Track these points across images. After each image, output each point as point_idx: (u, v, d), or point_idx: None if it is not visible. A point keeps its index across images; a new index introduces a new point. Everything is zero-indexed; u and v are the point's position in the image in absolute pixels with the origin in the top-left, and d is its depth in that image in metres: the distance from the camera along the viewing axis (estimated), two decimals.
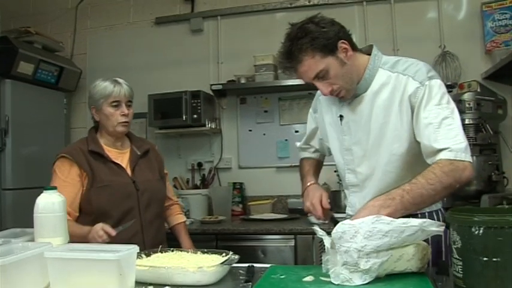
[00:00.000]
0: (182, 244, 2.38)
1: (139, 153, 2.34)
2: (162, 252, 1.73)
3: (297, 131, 4.01)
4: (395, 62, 1.76)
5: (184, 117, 3.79)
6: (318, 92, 1.91)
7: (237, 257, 1.61)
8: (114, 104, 2.22)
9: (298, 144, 2.24)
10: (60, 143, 4.16)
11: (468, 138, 3.21)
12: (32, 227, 1.65)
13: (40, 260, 1.34)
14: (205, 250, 1.73)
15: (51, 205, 1.61)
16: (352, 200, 1.92)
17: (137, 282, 1.44)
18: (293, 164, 3.87)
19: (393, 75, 1.73)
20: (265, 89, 3.95)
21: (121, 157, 2.30)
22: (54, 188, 1.66)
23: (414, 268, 1.45)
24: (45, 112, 4.01)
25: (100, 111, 2.25)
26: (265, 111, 4.09)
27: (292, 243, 3.15)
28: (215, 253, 1.70)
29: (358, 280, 1.37)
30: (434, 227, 1.40)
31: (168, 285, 1.47)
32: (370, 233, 1.37)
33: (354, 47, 1.75)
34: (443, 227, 1.42)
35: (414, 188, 1.53)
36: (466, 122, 3.28)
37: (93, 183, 2.15)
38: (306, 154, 2.20)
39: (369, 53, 1.81)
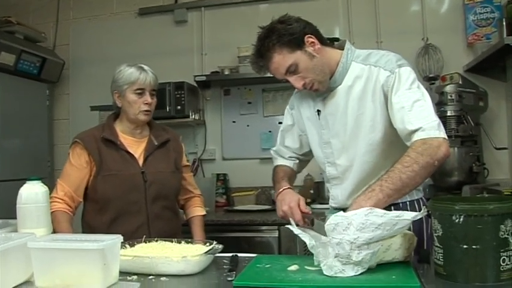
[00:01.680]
0: (194, 236, 2.32)
1: (156, 143, 2.27)
2: (146, 242, 1.72)
3: (280, 122, 3.76)
4: (367, 55, 1.80)
5: (168, 108, 3.77)
6: (295, 89, 1.94)
7: (220, 246, 1.61)
8: (138, 91, 2.17)
9: (272, 150, 2.19)
10: (43, 135, 4.15)
11: (450, 130, 3.29)
12: (16, 219, 1.64)
13: (23, 251, 1.33)
14: (189, 240, 1.73)
15: (34, 195, 1.60)
16: (334, 192, 1.95)
17: (121, 272, 1.44)
18: None
19: (366, 68, 1.77)
20: (249, 81, 3.95)
21: (136, 146, 2.24)
22: (38, 178, 1.65)
23: (401, 257, 1.47)
24: (28, 103, 3.98)
25: (123, 97, 2.20)
26: (249, 103, 4.09)
27: (276, 234, 3.17)
28: (199, 243, 1.70)
29: (350, 272, 1.38)
30: (420, 216, 1.42)
31: (152, 274, 1.48)
32: (363, 225, 1.38)
33: (323, 42, 1.80)
34: (425, 213, 1.44)
35: (392, 175, 1.55)
36: (448, 113, 3.33)
37: (100, 171, 2.12)
38: (280, 161, 2.12)
39: (342, 48, 1.84)
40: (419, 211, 1.54)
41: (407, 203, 1.84)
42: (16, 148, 3.77)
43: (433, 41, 3.71)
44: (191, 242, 1.72)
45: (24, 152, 3.87)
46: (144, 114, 2.18)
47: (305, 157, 2.12)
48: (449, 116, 3.34)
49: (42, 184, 1.65)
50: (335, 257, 1.38)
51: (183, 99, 3.78)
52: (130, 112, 2.19)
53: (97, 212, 2.13)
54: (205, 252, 1.52)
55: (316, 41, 1.76)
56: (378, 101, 1.74)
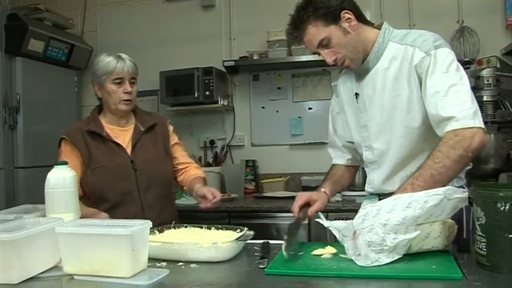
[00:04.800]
0: (195, 188, 2.17)
1: (142, 129, 2.23)
2: (175, 228, 1.69)
3: (310, 108, 3.96)
4: (405, 35, 1.74)
5: (196, 94, 3.74)
6: (339, 79, 1.96)
7: (252, 232, 1.57)
8: (117, 81, 2.13)
9: (328, 149, 2.11)
10: (71, 121, 4.10)
11: (486, 115, 3.18)
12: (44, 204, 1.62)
13: (51, 236, 1.31)
14: (220, 226, 1.69)
15: (62, 180, 1.58)
16: (371, 176, 1.89)
17: (150, 259, 1.41)
18: (307, 142, 3.85)
19: (402, 48, 1.71)
20: (279, 65, 3.89)
21: (123, 135, 2.22)
22: (65, 163, 1.63)
23: (440, 246, 1.40)
24: (56, 90, 3.98)
25: (103, 88, 2.17)
26: (279, 88, 4.03)
27: (306, 221, 3.10)
28: (229, 229, 1.66)
29: (386, 259, 1.32)
30: (459, 194, 1.34)
31: (181, 261, 1.44)
32: (393, 207, 1.32)
33: (361, 19, 1.76)
34: (467, 193, 1.36)
35: (423, 172, 1.51)
36: (485, 98, 3.21)
37: (89, 164, 2.11)
38: (335, 158, 2.05)
39: (379, 28, 1.80)
40: None
41: None
42: (45, 135, 3.74)
43: (468, 23, 3.58)
44: (221, 228, 1.68)
45: (53, 138, 3.83)
46: (125, 103, 2.16)
47: None
48: (485, 101, 3.22)
49: (70, 169, 1.63)
50: (368, 246, 1.32)
51: (211, 84, 3.74)
52: (111, 102, 2.16)
53: (91, 207, 2.05)
54: (236, 239, 1.47)
55: (353, 17, 1.71)
56: (413, 82, 1.67)
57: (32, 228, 1.32)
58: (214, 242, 1.43)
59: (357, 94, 1.84)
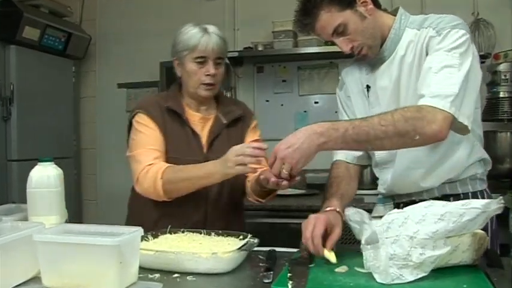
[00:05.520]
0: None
1: (225, 121, 1.90)
2: (171, 234, 1.53)
3: (316, 102, 3.83)
4: (423, 19, 1.57)
5: None
6: (344, 70, 1.80)
7: (256, 240, 1.40)
8: (199, 60, 1.79)
9: None
10: (68, 113, 4.03)
11: (502, 112, 3.02)
12: None
13: (30, 243, 1.15)
14: (220, 232, 1.52)
15: (46, 179, 1.42)
16: (384, 176, 1.72)
17: (142, 269, 1.26)
18: None
19: (419, 32, 1.55)
20: (284, 57, 3.74)
21: (202, 124, 1.89)
22: (50, 159, 1.47)
23: (469, 260, 1.23)
24: (53, 80, 3.84)
25: (182, 65, 1.83)
26: (284, 81, 3.88)
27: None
28: (231, 235, 1.50)
29: (409, 276, 1.15)
30: (495, 205, 1.17)
31: (177, 272, 1.28)
32: (423, 217, 1.16)
33: (376, 4, 1.60)
34: (503, 204, 1.19)
35: (363, 125, 1.36)
36: (501, 95, 3.09)
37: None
38: (339, 155, 1.76)
39: (395, 15, 1.63)
40: None
41: (470, 194, 1.60)
42: (40, 126, 3.64)
43: (484, 15, 3.40)
44: (222, 235, 1.51)
45: (49, 130, 3.74)
46: (206, 88, 1.82)
47: None
48: (501, 97, 3.08)
49: (55, 166, 1.47)
50: (390, 259, 1.16)
51: None
52: (189, 85, 1.84)
53: (147, 202, 1.80)
54: (239, 248, 1.31)
55: (369, 0, 1.55)
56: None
57: (8, 234, 1.15)
58: (213, 252, 1.26)
59: (368, 86, 1.68)
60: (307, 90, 3.84)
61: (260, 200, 1.85)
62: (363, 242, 1.22)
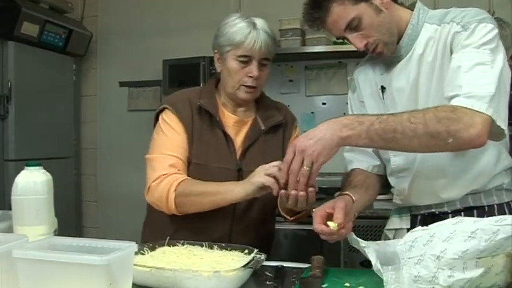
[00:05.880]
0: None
1: (263, 127, 1.68)
2: (170, 246, 1.40)
3: (324, 103, 3.69)
4: (443, 14, 1.44)
5: (201, 85, 3.42)
6: (356, 70, 1.67)
7: (263, 257, 1.27)
8: (242, 59, 1.60)
9: (345, 153, 1.70)
10: (69, 112, 3.92)
11: None
12: None
13: (10, 260, 1.02)
14: (223, 245, 1.39)
15: (32, 185, 1.29)
16: (400, 186, 1.57)
17: (136, 286, 1.14)
18: None
19: (440, 28, 1.41)
20: (291, 56, 3.58)
21: (237, 128, 1.69)
22: (37, 164, 1.34)
23: (502, 283, 1.10)
24: (53, 78, 3.72)
25: (223, 61, 1.65)
26: (290, 81, 3.74)
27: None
28: (235, 249, 1.36)
29: None
30: None
31: None
32: (452, 235, 1.02)
33: None
34: None
35: (390, 120, 1.24)
36: None
37: (189, 152, 1.64)
38: (355, 163, 1.65)
39: (412, 9, 1.50)
40: None
41: (495, 206, 1.46)
42: (39, 125, 3.53)
43: (500, 14, 3.26)
44: (226, 248, 1.38)
45: (48, 129, 3.64)
46: (246, 91, 1.62)
47: None
48: None
49: (43, 171, 1.34)
50: (414, 281, 1.03)
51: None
52: (228, 84, 1.65)
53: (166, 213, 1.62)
54: (244, 266, 1.18)
55: None
56: (447, 66, 1.37)
57: None
58: (216, 270, 1.14)
59: (383, 88, 1.54)
60: (314, 90, 3.71)
61: (287, 217, 1.64)
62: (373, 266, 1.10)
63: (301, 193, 1.32)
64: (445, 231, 1.03)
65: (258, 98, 1.74)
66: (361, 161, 1.65)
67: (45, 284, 1.00)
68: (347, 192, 1.45)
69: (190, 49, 3.66)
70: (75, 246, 1.10)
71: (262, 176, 1.41)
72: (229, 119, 1.69)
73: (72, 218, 3.92)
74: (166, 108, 1.67)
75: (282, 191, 1.36)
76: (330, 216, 1.30)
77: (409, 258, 1.04)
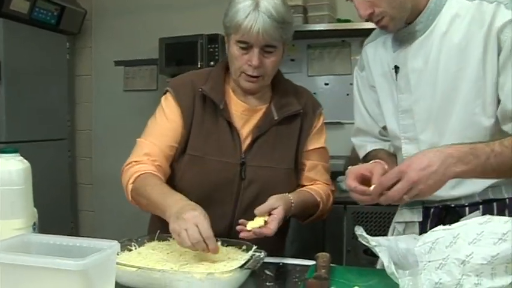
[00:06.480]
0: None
1: (276, 117, 1.49)
2: (160, 241, 1.28)
3: (326, 84, 3.54)
4: None
5: (199, 63, 3.31)
6: (364, 46, 1.52)
7: (263, 255, 1.15)
8: (242, 45, 1.40)
9: (353, 138, 1.62)
10: (62, 92, 3.79)
11: None
12: None
13: None
14: (219, 239, 1.26)
15: (7, 175, 1.15)
16: None
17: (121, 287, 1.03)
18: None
19: (472, 5, 1.25)
20: (293, 35, 3.42)
21: (246, 117, 1.50)
22: (14, 150, 1.21)
23: None
24: (45, 57, 3.57)
25: (228, 43, 1.47)
26: (292, 60, 3.58)
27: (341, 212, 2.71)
28: (232, 245, 1.24)
29: None
30: None
31: None
32: (479, 237, 0.90)
33: None
34: None
35: (505, 153, 1.14)
36: None
37: (186, 144, 1.48)
38: (370, 146, 1.56)
39: None
40: None
41: (507, 200, 1.34)
42: (31, 106, 3.40)
43: None
44: (222, 244, 1.25)
45: (41, 110, 3.51)
46: (247, 80, 1.44)
47: None
48: None
49: (20, 158, 1.20)
50: None
51: (217, 53, 3.32)
52: (231, 70, 1.48)
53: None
54: (241, 267, 1.06)
55: None
56: (491, 52, 1.22)
57: None
58: (209, 272, 1.02)
59: (396, 67, 1.38)
60: (316, 70, 3.56)
61: (299, 220, 1.54)
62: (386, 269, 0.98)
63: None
64: (470, 232, 0.91)
65: (275, 82, 1.55)
66: (375, 142, 1.55)
67: None
68: (380, 161, 1.31)
69: (188, 27, 3.52)
70: (51, 245, 0.98)
71: (175, 230, 1.18)
72: (237, 106, 1.50)
73: (66, 201, 3.82)
74: (168, 91, 1.53)
75: None
76: (363, 178, 1.21)
77: (429, 261, 0.92)
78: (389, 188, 1.12)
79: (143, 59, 3.76)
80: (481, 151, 1.14)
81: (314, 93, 3.47)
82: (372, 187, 1.18)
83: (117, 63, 3.83)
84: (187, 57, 3.38)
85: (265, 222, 1.25)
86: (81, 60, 4.05)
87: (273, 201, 1.31)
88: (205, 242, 1.12)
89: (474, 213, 1.30)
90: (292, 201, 1.38)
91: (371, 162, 1.30)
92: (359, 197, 1.20)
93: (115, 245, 0.93)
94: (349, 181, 1.21)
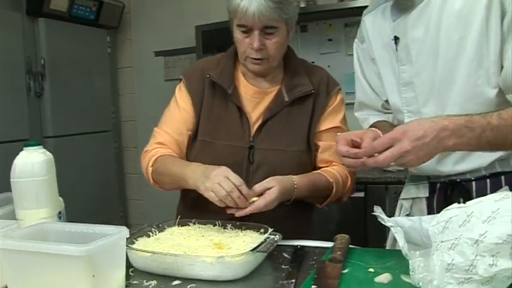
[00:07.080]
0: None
1: (287, 98, 1.46)
2: (179, 226, 1.29)
3: None
4: None
5: None
6: (363, 16, 1.48)
7: (277, 237, 1.13)
8: (242, 29, 1.38)
9: (356, 112, 1.59)
10: (106, 85, 3.90)
11: None
12: None
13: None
14: (238, 223, 1.26)
15: (30, 167, 1.19)
16: None
17: (138, 272, 1.05)
18: None
19: None
20: (329, 14, 3.36)
21: (257, 100, 1.48)
22: (36, 143, 1.25)
23: None
24: (87, 52, 3.68)
25: (233, 28, 1.44)
26: (330, 40, 3.51)
27: (362, 194, 2.65)
28: (250, 228, 1.23)
29: None
30: None
31: (177, 278, 1.04)
32: (494, 215, 0.84)
33: None
34: None
35: (502, 126, 1.09)
36: None
37: (196, 130, 1.49)
38: (373, 118, 1.53)
39: None
40: None
41: None
42: (76, 100, 3.52)
43: None
44: (240, 227, 1.25)
45: (86, 104, 3.63)
46: (253, 63, 1.42)
47: None
48: None
49: (43, 151, 1.24)
50: (447, 270, 0.86)
51: None
52: (238, 54, 1.47)
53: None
54: (253, 250, 1.05)
55: None
56: (493, 19, 1.16)
57: None
58: (220, 256, 1.01)
59: (396, 38, 1.33)
60: None
61: (316, 203, 1.52)
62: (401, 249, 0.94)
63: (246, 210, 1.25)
64: (485, 209, 0.85)
65: (287, 63, 1.52)
66: (378, 115, 1.52)
67: (26, 274, 0.91)
68: (373, 129, 1.28)
69: (224, 12, 3.50)
70: (66, 232, 1.01)
71: (207, 192, 1.25)
72: (247, 90, 1.49)
73: (115, 191, 3.93)
74: (181, 79, 1.55)
75: None
76: (353, 145, 1.18)
77: (442, 241, 0.87)
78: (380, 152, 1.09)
79: (182, 48, 3.78)
80: (477, 123, 1.09)
81: (353, 72, 3.41)
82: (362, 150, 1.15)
83: (157, 53, 3.88)
84: (226, 44, 3.35)
85: None
86: (122, 53, 4.13)
87: (268, 181, 1.29)
88: (238, 190, 1.20)
89: (504, 187, 1.23)
90: (295, 183, 1.35)
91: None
92: (350, 161, 1.16)
93: (122, 230, 0.94)
94: (340, 146, 1.18)
